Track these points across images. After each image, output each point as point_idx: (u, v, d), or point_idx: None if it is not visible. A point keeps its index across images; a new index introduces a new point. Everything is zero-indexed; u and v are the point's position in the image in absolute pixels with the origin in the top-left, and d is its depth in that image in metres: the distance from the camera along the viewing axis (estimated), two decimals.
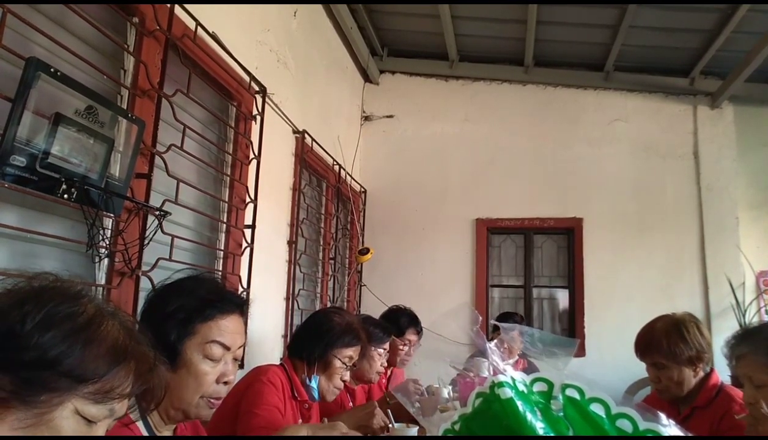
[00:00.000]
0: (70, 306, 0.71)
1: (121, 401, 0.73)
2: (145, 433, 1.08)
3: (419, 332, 3.02)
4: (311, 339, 1.87)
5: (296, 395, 1.82)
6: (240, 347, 1.22)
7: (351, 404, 2.42)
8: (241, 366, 2.61)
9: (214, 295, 1.20)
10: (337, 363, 1.86)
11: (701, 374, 1.82)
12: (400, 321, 2.93)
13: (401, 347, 2.92)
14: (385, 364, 2.57)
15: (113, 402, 0.72)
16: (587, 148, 4.66)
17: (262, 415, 1.64)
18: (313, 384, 1.82)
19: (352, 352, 1.90)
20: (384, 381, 2.94)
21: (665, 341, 1.82)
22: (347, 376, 1.91)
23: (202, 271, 1.37)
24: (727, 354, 1.49)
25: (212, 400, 1.17)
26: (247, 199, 2.76)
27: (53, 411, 0.66)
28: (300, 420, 1.84)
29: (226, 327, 1.18)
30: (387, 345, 2.52)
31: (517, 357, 3.36)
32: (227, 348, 1.18)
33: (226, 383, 1.18)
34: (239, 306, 1.24)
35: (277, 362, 3.16)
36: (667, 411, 1.93)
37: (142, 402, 0.84)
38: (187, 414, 1.16)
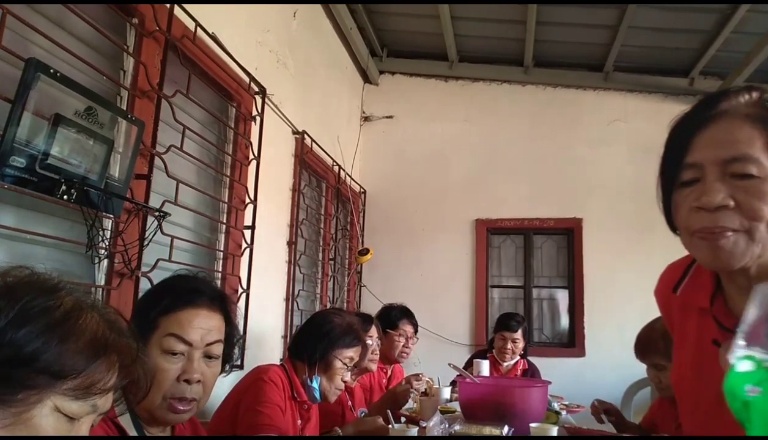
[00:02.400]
0: (45, 300, 0.68)
1: (104, 396, 0.71)
2: (131, 427, 1.05)
3: (414, 324, 3.03)
4: (312, 341, 1.87)
5: (296, 396, 1.82)
6: (211, 344, 1.13)
7: (350, 403, 2.42)
8: (241, 367, 2.61)
9: (180, 288, 1.15)
10: (338, 364, 1.86)
11: None
12: (391, 315, 2.96)
13: (397, 339, 2.92)
14: (377, 351, 2.58)
15: (95, 397, 0.69)
16: (587, 149, 4.66)
17: (266, 413, 1.64)
18: (315, 384, 1.82)
19: (352, 353, 1.90)
20: (384, 380, 2.94)
21: (663, 342, 1.82)
22: (348, 377, 1.91)
23: (197, 271, 1.33)
24: None
25: (176, 405, 1.08)
26: (247, 200, 2.76)
27: (31, 409, 0.64)
28: (299, 421, 1.84)
29: (188, 320, 1.11)
30: (373, 332, 2.53)
31: (518, 357, 3.37)
32: (187, 344, 1.10)
33: (188, 381, 1.09)
34: (209, 298, 1.16)
35: (278, 362, 3.17)
36: (668, 413, 1.94)
37: (128, 394, 0.81)
38: (155, 417, 1.09)
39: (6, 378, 0.63)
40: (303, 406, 1.87)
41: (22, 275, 0.70)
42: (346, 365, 1.88)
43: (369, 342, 2.46)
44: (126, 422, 1.05)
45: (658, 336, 1.85)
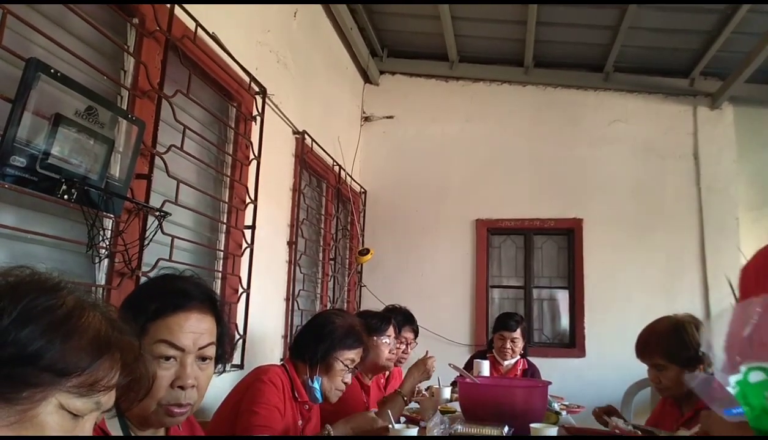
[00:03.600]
0: (48, 299, 0.68)
1: (107, 393, 0.71)
2: (117, 430, 1.04)
3: (415, 331, 3.02)
4: (313, 342, 1.86)
5: (297, 396, 1.82)
6: (204, 347, 1.11)
7: (366, 401, 2.42)
8: (241, 366, 2.61)
9: (168, 292, 1.12)
10: (339, 366, 1.85)
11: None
12: (395, 320, 2.94)
13: (397, 345, 2.92)
14: (395, 350, 2.57)
15: (98, 394, 0.70)
16: (587, 149, 4.66)
17: (262, 414, 1.64)
18: (315, 385, 1.82)
19: (353, 355, 1.90)
20: (382, 380, 2.94)
21: (664, 342, 1.83)
22: (349, 378, 1.90)
23: (184, 269, 1.30)
24: None
25: (173, 408, 1.06)
26: (247, 200, 2.76)
27: (37, 406, 0.64)
28: (300, 421, 1.84)
29: (178, 325, 1.08)
30: (391, 332, 2.53)
31: (518, 356, 3.37)
32: (179, 349, 1.07)
33: (182, 388, 1.06)
34: (198, 300, 1.12)
35: (278, 362, 3.17)
36: (670, 413, 1.94)
37: (127, 394, 0.80)
38: (150, 422, 1.08)
39: (11, 376, 0.63)
40: (304, 406, 1.86)
41: (23, 275, 0.71)
42: (347, 366, 1.87)
43: (386, 341, 2.46)
44: (112, 425, 1.03)
45: (659, 336, 1.86)
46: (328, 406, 1.96)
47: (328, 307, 3.96)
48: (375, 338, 2.41)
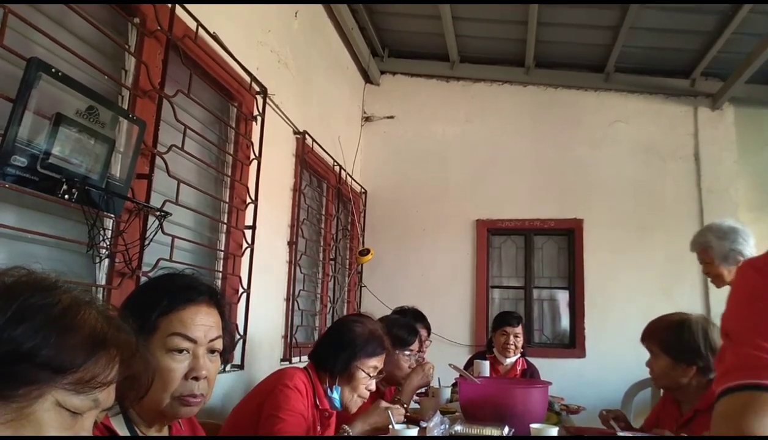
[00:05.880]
0: (43, 297, 0.69)
1: (105, 389, 0.71)
2: (123, 428, 1.05)
3: (428, 328, 3.06)
4: (333, 351, 1.82)
5: (318, 403, 1.80)
6: (213, 340, 1.15)
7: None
8: (241, 367, 2.61)
9: (177, 287, 1.15)
10: (361, 375, 1.81)
11: (701, 378, 1.82)
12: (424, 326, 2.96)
13: (422, 355, 2.92)
14: (413, 366, 2.54)
15: (96, 391, 0.70)
16: (588, 150, 4.66)
17: (290, 421, 1.62)
18: (335, 394, 1.79)
19: (376, 362, 1.85)
20: None
21: (664, 332, 1.88)
22: (373, 386, 1.86)
23: (183, 268, 1.32)
24: None
25: (188, 398, 1.10)
26: (248, 200, 2.76)
27: (33, 404, 0.64)
28: (319, 428, 1.81)
29: (190, 318, 1.12)
30: (415, 346, 2.51)
31: (518, 355, 3.37)
32: (192, 341, 1.11)
33: (196, 378, 1.10)
34: (207, 295, 1.17)
35: (277, 362, 3.17)
36: (670, 413, 1.95)
37: (128, 392, 0.81)
38: (164, 415, 1.10)
39: (6, 374, 0.64)
40: (324, 414, 1.84)
41: (19, 275, 0.71)
42: (369, 374, 1.83)
43: (408, 353, 2.43)
44: (117, 423, 1.04)
45: (663, 325, 1.89)
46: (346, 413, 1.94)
47: (328, 307, 3.96)
48: (397, 351, 2.35)
